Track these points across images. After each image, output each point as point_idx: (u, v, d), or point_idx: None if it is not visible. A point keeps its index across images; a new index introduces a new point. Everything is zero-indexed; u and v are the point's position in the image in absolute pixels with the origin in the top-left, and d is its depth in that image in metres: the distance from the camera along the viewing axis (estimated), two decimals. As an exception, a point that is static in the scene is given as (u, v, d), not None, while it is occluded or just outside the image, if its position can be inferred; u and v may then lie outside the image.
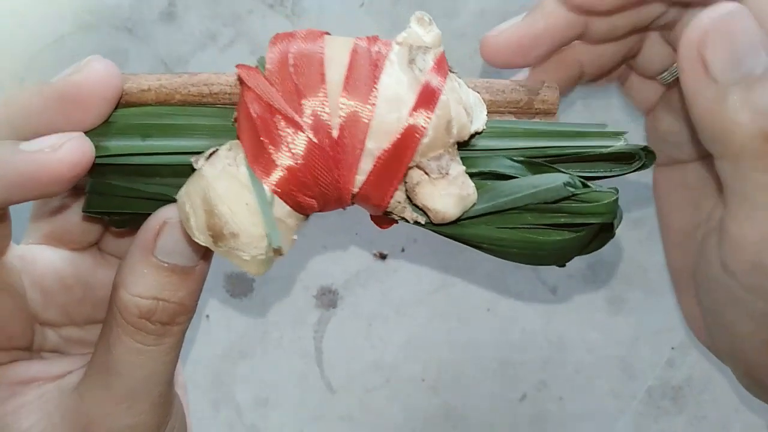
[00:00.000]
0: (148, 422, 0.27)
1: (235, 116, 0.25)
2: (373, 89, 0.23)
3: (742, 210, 0.24)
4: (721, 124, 0.23)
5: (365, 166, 0.24)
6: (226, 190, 0.23)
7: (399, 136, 0.23)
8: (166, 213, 0.26)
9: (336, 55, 0.24)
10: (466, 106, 0.24)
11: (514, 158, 0.25)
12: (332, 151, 0.23)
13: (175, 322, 0.26)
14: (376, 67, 0.23)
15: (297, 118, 0.23)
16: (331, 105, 0.23)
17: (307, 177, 0.23)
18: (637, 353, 0.44)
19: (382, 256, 0.45)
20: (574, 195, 0.25)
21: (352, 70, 0.23)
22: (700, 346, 0.35)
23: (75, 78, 0.24)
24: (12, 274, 0.29)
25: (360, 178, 0.24)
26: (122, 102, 0.26)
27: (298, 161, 0.23)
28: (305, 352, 0.44)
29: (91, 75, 0.24)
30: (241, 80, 0.24)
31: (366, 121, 0.23)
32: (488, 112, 0.25)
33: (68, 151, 0.23)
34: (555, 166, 0.26)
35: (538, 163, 0.26)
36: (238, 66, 0.25)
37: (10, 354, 0.28)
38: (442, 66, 0.24)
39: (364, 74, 0.23)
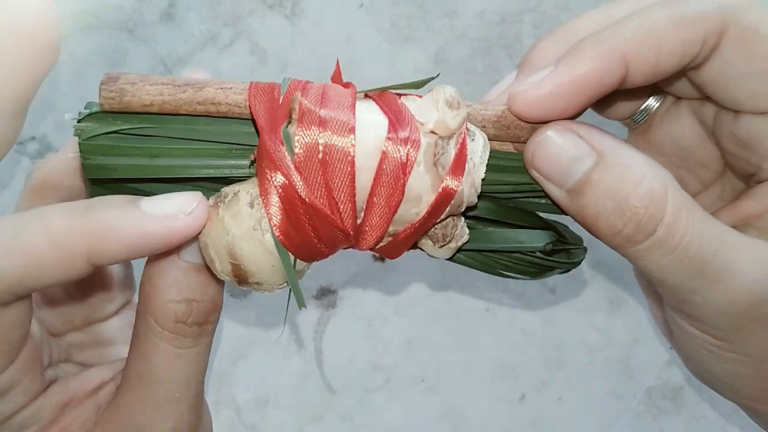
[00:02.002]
0: (188, 422, 0.27)
1: (252, 158, 0.25)
2: (400, 190, 0.24)
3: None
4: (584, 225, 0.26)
5: (383, 242, 0.26)
6: (252, 252, 0.24)
7: (417, 224, 0.25)
8: None
9: (365, 161, 0.24)
10: (476, 184, 0.25)
11: (502, 201, 0.28)
12: (354, 232, 0.25)
13: (208, 321, 0.26)
14: (403, 170, 0.24)
15: (323, 207, 0.24)
16: (358, 199, 0.24)
17: (331, 251, 0.25)
18: (637, 353, 0.44)
19: (382, 257, 0.45)
20: (552, 250, 0.28)
21: (380, 174, 0.24)
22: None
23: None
24: None
25: (378, 246, 0.26)
26: (124, 109, 0.25)
27: (322, 237, 0.24)
28: (305, 353, 0.44)
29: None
30: (267, 154, 0.24)
31: (389, 217, 0.24)
32: (489, 140, 0.26)
33: (198, 216, 0.24)
34: (542, 197, 0.28)
35: (527, 211, 0.28)
36: (261, 135, 0.24)
37: (47, 374, 0.28)
38: (462, 157, 0.25)
39: (391, 177, 0.24)
